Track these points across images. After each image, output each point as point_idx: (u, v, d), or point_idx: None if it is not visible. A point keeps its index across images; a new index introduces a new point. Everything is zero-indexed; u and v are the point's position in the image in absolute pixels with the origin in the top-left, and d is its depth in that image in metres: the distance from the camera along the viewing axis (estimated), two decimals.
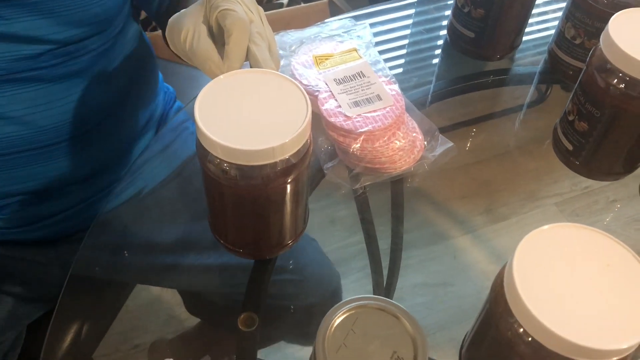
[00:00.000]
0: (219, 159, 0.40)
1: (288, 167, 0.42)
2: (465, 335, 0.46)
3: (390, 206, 0.76)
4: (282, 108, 0.41)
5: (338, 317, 0.36)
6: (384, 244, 0.83)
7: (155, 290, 1.04)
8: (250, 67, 0.44)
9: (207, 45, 0.43)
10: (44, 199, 0.62)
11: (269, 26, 0.47)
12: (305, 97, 0.42)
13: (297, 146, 0.41)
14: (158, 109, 0.72)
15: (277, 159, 0.40)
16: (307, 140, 0.42)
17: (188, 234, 0.59)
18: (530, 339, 0.35)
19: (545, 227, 0.38)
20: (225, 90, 0.42)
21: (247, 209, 0.45)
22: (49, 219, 0.64)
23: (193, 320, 0.90)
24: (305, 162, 0.43)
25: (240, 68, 0.43)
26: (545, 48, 0.70)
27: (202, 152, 0.42)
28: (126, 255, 0.59)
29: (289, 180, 0.42)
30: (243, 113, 0.41)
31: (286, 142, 0.39)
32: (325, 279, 0.66)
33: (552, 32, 0.68)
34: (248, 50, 0.44)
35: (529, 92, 0.77)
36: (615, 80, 0.50)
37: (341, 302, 0.37)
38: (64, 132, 0.58)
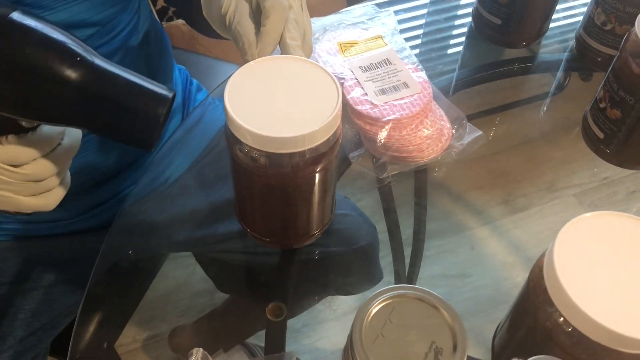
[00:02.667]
0: (249, 146, 0.40)
1: (318, 156, 0.41)
2: (498, 326, 0.45)
3: (409, 197, 0.76)
4: (312, 95, 0.41)
5: (374, 307, 0.36)
6: (404, 235, 0.83)
7: (174, 280, 1.04)
8: (281, 53, 0.44)
9: (246, 25, 0.43)
10: (100, 185, 0.64)
11: (307, 14, 0.46)
12: (336, 85, 0.41)
13: (327, 134, 0.40)
14: (179, 83, 0.74)
15: (307, 147, 0.39)
16: (337, 129, 0.41)
17: (227, 205, 0.59)
18: (570, 328, 0.35)
19: (588, 214, 0.37)
20: (255, 76, 0.42)
21: (276, 197, 0.44)
22: (103, 205, 0.66)
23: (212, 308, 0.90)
24: (335, 151, 0.43)
25: (272, 52, 0.43)
26: (572, 35, 0.68)
27: (231, 140, 0.41)
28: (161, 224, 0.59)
29: (318, 169, 0.42)
30: (273, 100, 0.40)
31: (316, 130, 0.39)
32: (364, 228, 0.67)
33: (580, 18, 0.66)
34: (281, 36, 0.43)
35: (555, 81, 0.75)
36: None
37: (377, 291, 0.36)
38: None
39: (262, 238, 0.49)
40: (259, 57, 0.42)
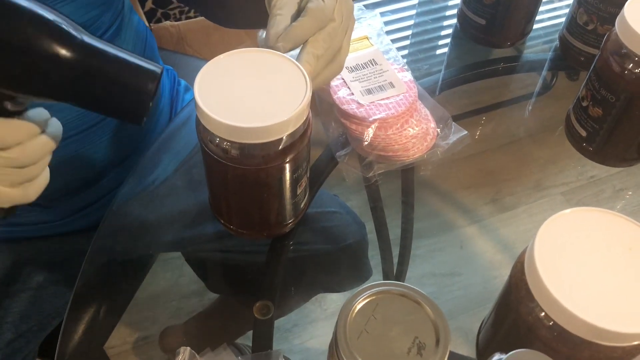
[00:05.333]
0: (219, 137, 0.40)
1: (288, 146, 0.42)
2: (482, 322, 0.46)
3: (397, 196, 0.76)
4: (282, 87, 0.41)
5: (358, 303, 0.36)
6: (392, 235, 0.83)
7: (164, 282, 1.05)
8: (296, 58, 0.44)
9: (283, 16, 0.43)
10: (89, 185, 0.64)
11: (349, 38, 0.46)
12: (305, 77, 0.42)
13: (296, 124, 0.41)
14: (166, 83, 0.74)
15: (277, 137, 0.40)
16: (305, 119, 0.42)
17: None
18: (551, 322, 0.35)
19: (567, 210, 0.38)
20: (225, 69, 0.42)
21: (247, 188, 0.45)
22: (92, 206, 0.66)
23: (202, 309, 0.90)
24: (305, 141, 0.43)
25: (289, 50, 0.43)
26: (556, 35, 0.69)
27: (202, 131, 0.42)
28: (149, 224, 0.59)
29: (289, 159, 0.42)
30: (243, 92, 0.41)
31: (285, 120, 0.39)
32: (353, 225, 0.68)
33: (563, 19, 0.67)
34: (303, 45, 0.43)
35: (539, 80, 0.76)
36: (631, 64, 0.50)
37: (361, 288, 0.37)
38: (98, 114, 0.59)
39: (236, 230, 0.50)
40: (275, 49, 0.43)
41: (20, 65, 0.36)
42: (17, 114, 0.38)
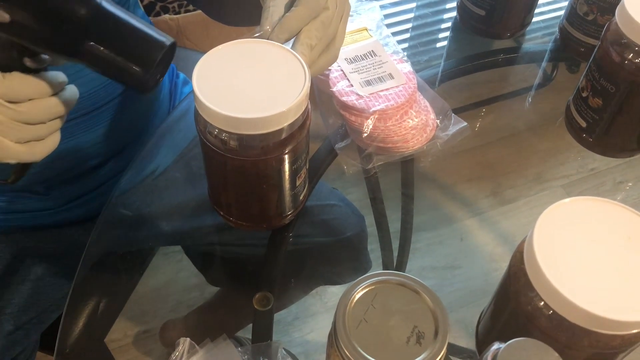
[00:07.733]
0: (218, 128, 0.40)
1: (287, 137, 0.41)
2: (482, 312, 0.46)
3: (397, 188, 0.76)
4: (280, 78, 0.41)
5: (357, 293, 0.36)
6: (392, 227, 0.83)
7: (164, 275, 1.05)
8: (291, 47, 0.44)
9: (277, 7, 0.43)
10: (87, 174, 0.64)
11: (344, 25, 0.46)
12: (304, 68, 0.42)
13: (295, 115, 0.41)
14: (165, 78, 0.73)
15: (276, 128, 0.40)
16: (305, 110, 0.42)
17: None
18: (550, 312, 0.35)
19: (566, 200, 0.37)
20: (223, 60, 0.42)
21: (246, 179, 0.45)
22: (89, 194, 0.66)
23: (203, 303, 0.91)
24: (304, 132, 0.43)
25: (285, 41, 0.43)
26: (556, 26, 0.69)
27: (200, 122, 0.42)
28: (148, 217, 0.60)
29: (287, 150, 0.42)
30: (241, 83, 0.41)
31: (284, 111, 0.39)
32: (352, 218, 0.68)
33: (563, 10, 0.67)
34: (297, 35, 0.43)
35: (539, 73, 0.76)
36: (631, 54, 0.49)
37: (360, 277, 0.37)
38: (99, 98, 0.59)
39: (235, 221, 0.50)
40: (270, 40, 0.42)
41: (36, 16, 0.37)
42: (34, 72, 0.40)
